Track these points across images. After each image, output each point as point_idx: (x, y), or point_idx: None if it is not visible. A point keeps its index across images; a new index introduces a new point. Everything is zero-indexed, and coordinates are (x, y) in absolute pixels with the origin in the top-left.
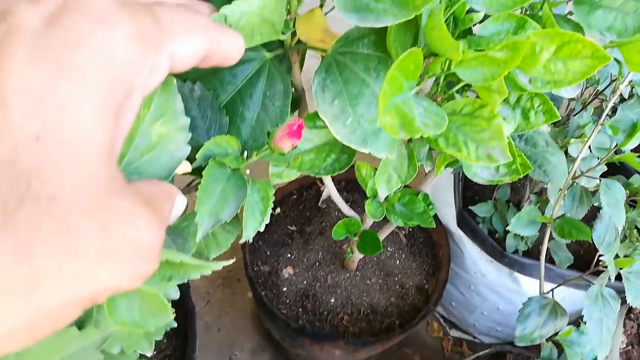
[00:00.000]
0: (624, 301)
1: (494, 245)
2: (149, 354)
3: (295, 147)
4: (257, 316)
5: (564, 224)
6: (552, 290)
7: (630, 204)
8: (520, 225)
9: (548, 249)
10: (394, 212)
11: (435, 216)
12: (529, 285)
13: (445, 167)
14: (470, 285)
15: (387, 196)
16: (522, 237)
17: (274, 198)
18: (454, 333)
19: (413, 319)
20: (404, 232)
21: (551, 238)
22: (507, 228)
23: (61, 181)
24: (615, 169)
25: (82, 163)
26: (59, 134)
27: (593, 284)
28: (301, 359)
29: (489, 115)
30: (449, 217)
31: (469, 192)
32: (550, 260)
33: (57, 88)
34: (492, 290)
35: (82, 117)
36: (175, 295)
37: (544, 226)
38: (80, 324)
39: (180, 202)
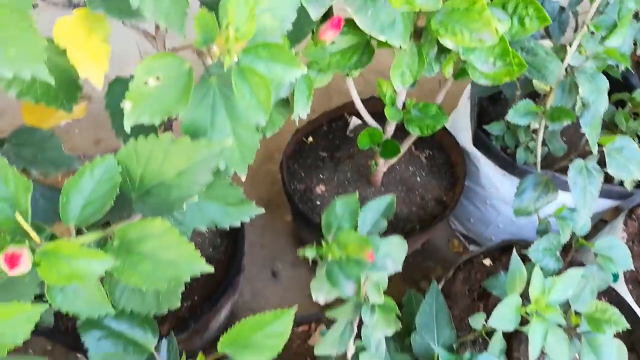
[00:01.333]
0: (623, 197)
1: (506, 159)
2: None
3: (333, 43)
4: (296, 235)
5: (554, 112)
6: (547, 171)
7: (633, 116)
8: (518, 115)
9: (544, 139)
10: (410, 118)
11: (454, 139)
12: None
13: (456, 79)
14: (486, 200)
15: (404, 104)
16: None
17: (312, 97)
18: (472, 248)
19: (432, 224)
20: (424, 154)
21: (546, 128)
22: (507, 118)
23: None
24: (620, 86)
25: None
26: None
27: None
28: None
29: (480, 9)
30: (466, 140)
31: (485, 118)
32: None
33: None
34: (506, 202)
35: None
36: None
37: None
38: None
39: None
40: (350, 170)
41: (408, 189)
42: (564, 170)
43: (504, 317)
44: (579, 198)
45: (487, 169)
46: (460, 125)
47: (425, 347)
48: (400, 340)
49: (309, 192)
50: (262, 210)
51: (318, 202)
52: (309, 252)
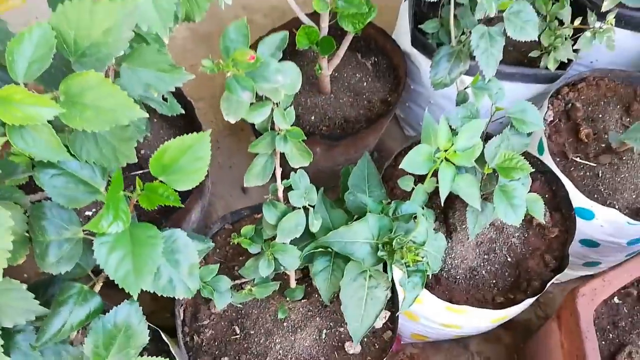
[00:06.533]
0: (549, 80)
1: None
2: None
3: None
4: None
5: None
6: (463, 39)
7: (553, 0)
8: None
9: (455, 15)
10: (341, 14)
11: (396, 44)
12: None
13: None
14: (429, 99)
15: None
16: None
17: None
18: None
19: (377, 121)
20: (370, 61)
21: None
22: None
23: None
24: None
25: None
26: None
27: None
28: None
29: None
30: (407, 43)
31: (422, 19)
32: None
33: None
34: (447, 98)
35: None
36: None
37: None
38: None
39: None
40: (302, 82)
41: (356, 94)
42: None
43: (415, 162)
44: (483, 59)
45: (426, 67)
46: (402, 30)
47: (357, 203)
48: (339, 206)
49: None
50: (192, 76)
51: None
52: (208, 63)
